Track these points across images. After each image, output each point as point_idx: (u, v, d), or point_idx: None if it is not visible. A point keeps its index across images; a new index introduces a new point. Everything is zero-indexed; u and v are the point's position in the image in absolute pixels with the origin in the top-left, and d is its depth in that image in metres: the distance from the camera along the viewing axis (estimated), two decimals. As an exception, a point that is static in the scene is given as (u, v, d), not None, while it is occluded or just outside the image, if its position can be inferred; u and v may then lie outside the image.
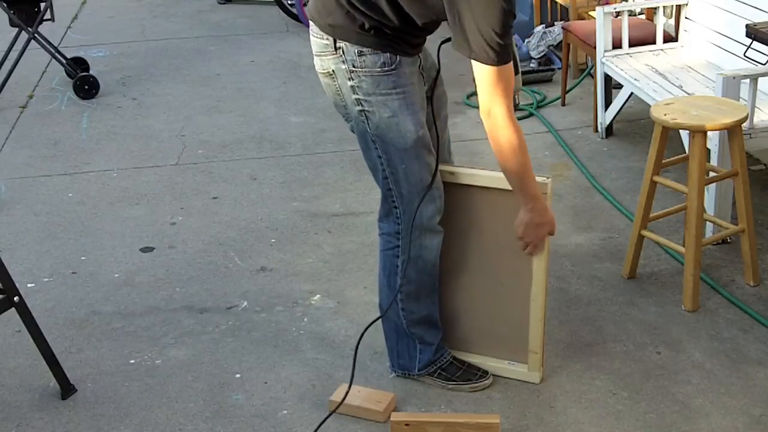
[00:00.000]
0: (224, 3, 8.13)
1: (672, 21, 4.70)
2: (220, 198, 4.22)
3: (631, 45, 4.51)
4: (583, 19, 5.39)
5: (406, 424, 2.57)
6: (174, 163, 4.64)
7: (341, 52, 2.48)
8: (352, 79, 2.49)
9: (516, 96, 2.68)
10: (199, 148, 4.82)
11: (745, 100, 3.42)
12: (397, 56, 2.48)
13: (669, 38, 4.60)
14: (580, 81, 5.39)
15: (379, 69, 2.47)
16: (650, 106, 3.34)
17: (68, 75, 5.87)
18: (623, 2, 5.14)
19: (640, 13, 5.14)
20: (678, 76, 4.17)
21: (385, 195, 2.64)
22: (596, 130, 4.72)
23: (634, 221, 3.33)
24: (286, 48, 6.64)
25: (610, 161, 4.39)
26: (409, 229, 2.62)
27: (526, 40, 5.87)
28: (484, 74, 2.34)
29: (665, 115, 3.12)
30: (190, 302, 3.36)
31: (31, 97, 5.72)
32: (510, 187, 2.56)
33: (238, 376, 2.92)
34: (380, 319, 2.80)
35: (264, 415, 2.74)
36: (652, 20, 4.84)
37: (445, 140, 2.75)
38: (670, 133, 3.23)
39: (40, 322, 2.80)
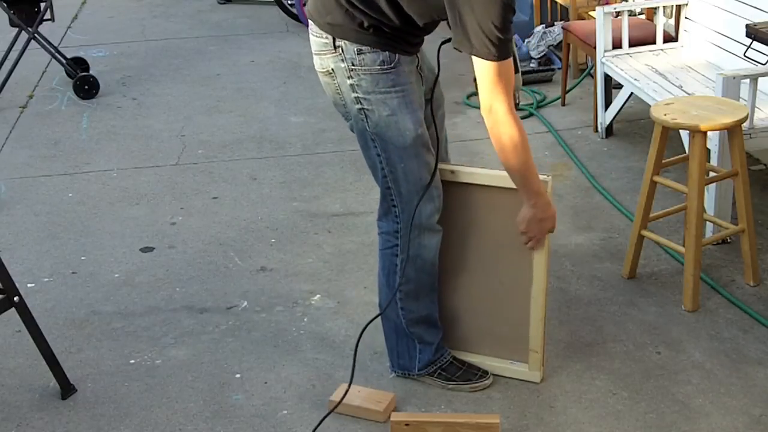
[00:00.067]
0: (224, 3, 8.13)
1: (672, 21, 4.70)
2: (220, 198, 4.22)
3: (631, 45, 4.51)
4: (583, 19, 5.39)
5: (406, 424, 2.57)
6: (174, 163, 4.64)
7: (340, 51, 2.48)
8: (352, 78, 2.50)
9: (516, 95, 2.68)
10: (199, 148, 4.82)
11: (745, 100, 3.42)
12: (396, 55, 2.48)
13: (669, 38, 4.60)
14: (580, 81, 5.39)
15: (378, 67, 2.47)
16: (650, 106, 3.34)
17: (68, 75, 5.87)
18: (623, 2, 5.14)
19: (640, 13, 5.14)
20: (678, 76, 4.17)
21: (384, 194, 2.64)
22: (596, 130, 4.72)
23: (634, 221, 3.33)
24: (286, 48, 6.64)
25: (610, 161, 4.39)
26: (407, 228, 2.62)
27: (526, 40, 5.87)
28: (484, 70, 2.34)
29: (665, 115, 3.12)
30: (190, 302, 3.36)
31: (31, 97, 5.72)
32: (510, 185, 2.56)
33: (238, 376, 2.92)
34: (381, 320, 2.80)
35: (264, 415, 2.74)
36: (652, 20, 4.84)
37: (443, 139, 2.75)
38: (670, 133, 3.23)
39: (40, 322, 2.80)
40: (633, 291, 3.29)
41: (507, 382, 2.83)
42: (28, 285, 3.49)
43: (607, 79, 4.57)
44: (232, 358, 3.02)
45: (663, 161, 3.25)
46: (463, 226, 2.76)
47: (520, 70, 2.70)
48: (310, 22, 2.56)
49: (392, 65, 2.48)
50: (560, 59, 5.38)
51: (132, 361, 3.02)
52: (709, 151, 3.31)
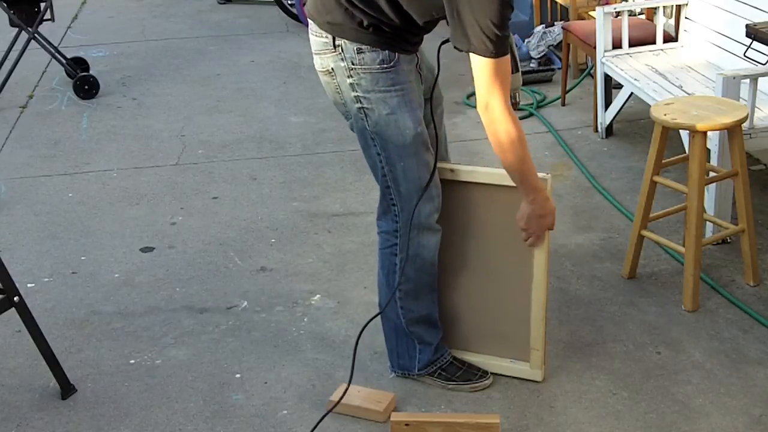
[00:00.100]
0: (224, 3, 8.13)
1: (672, 21, 4.70)
2: (220, 198, 4.22)
3: (631, 45, 4.51)
4: (583, 19, 5.39)
5: (406, 424, 2.57)
6: (174, 163, 4.64)
7: (340, 50, 2.48)
8: (351, 77, 2.50)
9: (516, 95, 2.68)
10: (199, 148, 4.82)
11: (745, 100, 3.42)
12: (396, 53, 2.48)
13: (669, 38, 4.60)
14: (580, 81, 5.39)
15: (377, 66, 2.47)
16: (650, 106, 3.34)
17: (68, 75, 5.87)
18: (623, 2, 5.14)
19: (640, 13, 5.14)
20: (678, 76, 4.17)
21: (384, 192, 2.64)
22: (596, 130, 4.72)
23: (634, 221, 3.33)
24: (286, 48, 6.64)
25: (610, 161, 4.39)
26: (407, 228, 2.62)
27: (526, 40, 5.87)
28: (481, 67, 2.34)
29: (665, 115, 3.12)
30: (190, 302, 3.36)
31: (31, 97, 5.72)
32: (510, 183, 2.56)
33: (238, 376, 2.92)
34: (381, 320, 2.80)
35: (264, 415, 2.74)
36: (652, 20, 4.84)
37: (442, 137, 2.75)
38: (670, 133, 3.23)
39: (40, 322, 2.80)
40: (633, 291, 3.29)
41: (507, 382, 2.83)
42: (28, 285, 3.49)
43: (607, 79, 4.57)
44: (232, 358, 3.02)
45: (663, 161, 3.25)
46: (463, 224, 2.76)
47: (520, 69, 2.70)
48: (309, 21, 2.56)
49: (392, 64, 2.48)
50: (560, 59, 5.38)
51: (132, 361, 3.02)
52: (709, 151, 3.31)
